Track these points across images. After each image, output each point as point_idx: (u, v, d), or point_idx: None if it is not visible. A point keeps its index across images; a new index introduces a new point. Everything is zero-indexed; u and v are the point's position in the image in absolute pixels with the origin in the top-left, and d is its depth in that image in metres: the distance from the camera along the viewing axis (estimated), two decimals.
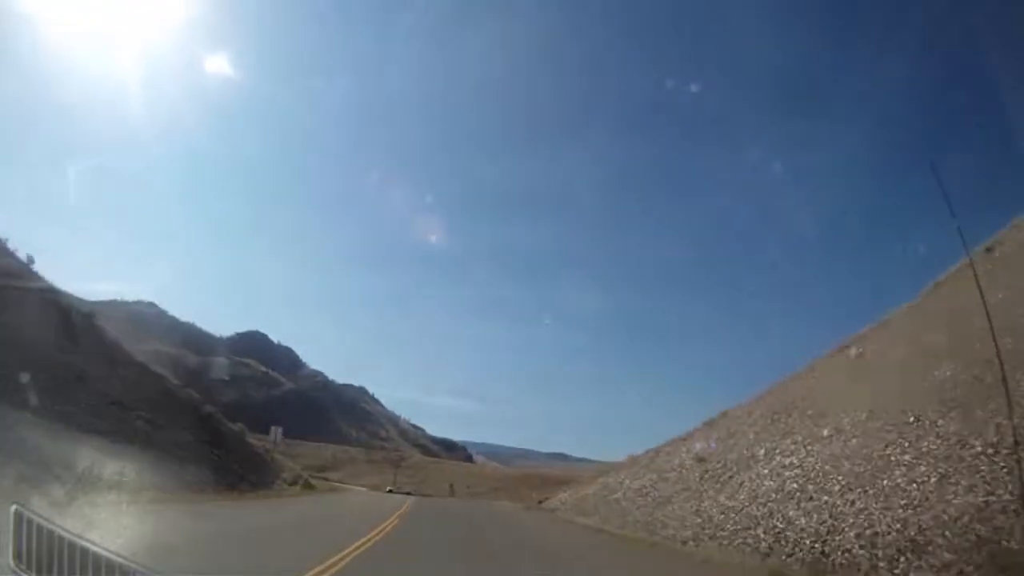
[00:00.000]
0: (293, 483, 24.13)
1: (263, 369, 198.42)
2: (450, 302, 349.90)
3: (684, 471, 19.04)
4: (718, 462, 17.41)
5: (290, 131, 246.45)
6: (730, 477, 15.68)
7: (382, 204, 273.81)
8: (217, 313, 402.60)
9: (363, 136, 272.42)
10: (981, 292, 10.49)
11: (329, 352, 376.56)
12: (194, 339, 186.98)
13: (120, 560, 2.99)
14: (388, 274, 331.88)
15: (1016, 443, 8.44)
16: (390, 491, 60.18)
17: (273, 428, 24.59)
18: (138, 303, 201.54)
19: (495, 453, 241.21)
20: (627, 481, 22.18)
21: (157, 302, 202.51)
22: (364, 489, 59.61)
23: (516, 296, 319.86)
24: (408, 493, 59.53)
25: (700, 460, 18.87)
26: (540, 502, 35.36)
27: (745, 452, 16.75)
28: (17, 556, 2.83)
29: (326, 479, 60.86)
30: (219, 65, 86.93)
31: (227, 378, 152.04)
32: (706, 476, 16.99)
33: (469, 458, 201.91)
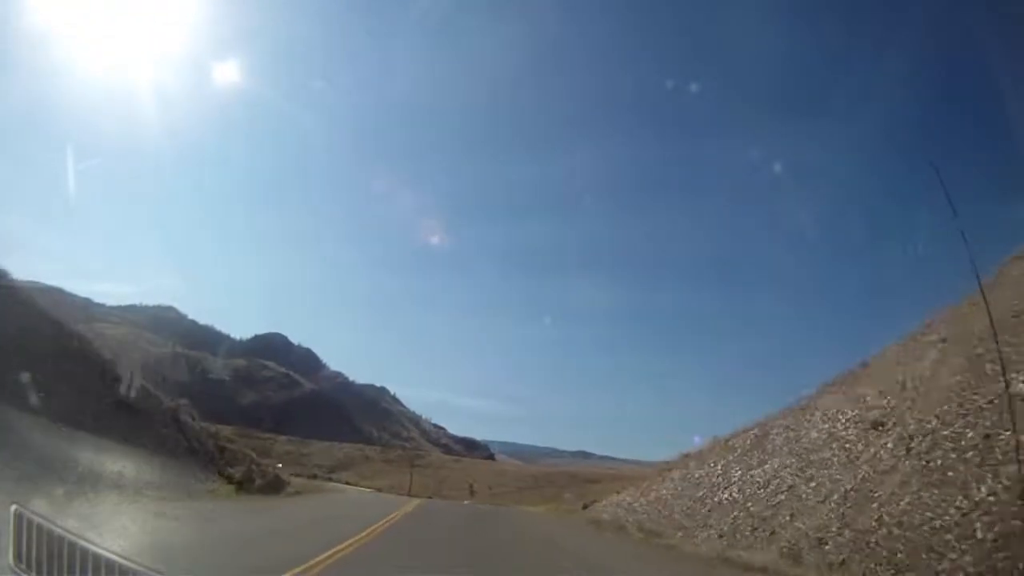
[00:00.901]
0: (244, 480, 16.99)
1: (282, 370, 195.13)
2: (470, 302, 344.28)
3: (849, 446, 11.44)
4: (928, 421, 9.76)
5: (305, 136, 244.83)
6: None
7: (399, 206, 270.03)
8: (237, 316, 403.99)
9: (379, 138, 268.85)
10: (983, 292, 9.74)
11: (350, 353, 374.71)
12: (212, 342, 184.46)
13: (120, 560, 2.93)
14: (408, 275, 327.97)
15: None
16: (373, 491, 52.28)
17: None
18: (157, 307, 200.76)
19: (517, 452, 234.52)
20: (735, 471, 14.50)
21: (176, 306, 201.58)
22: (369, 491, 52.08)
23: (536, 295, 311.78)
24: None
25: (878, 426, 11.21)
26: (586, 507, 27.29)
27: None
28: (17, 556, 2.80)
29: (330, 479, 54.01)
30: (232, 73, 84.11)
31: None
32: (919, 450, 9.35)
33: (491, 457, 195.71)
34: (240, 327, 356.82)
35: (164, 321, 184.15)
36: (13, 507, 2.93)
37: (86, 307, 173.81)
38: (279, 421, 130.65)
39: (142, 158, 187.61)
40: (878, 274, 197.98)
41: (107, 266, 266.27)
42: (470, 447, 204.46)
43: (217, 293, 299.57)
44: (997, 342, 9.07)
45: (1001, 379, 8.87)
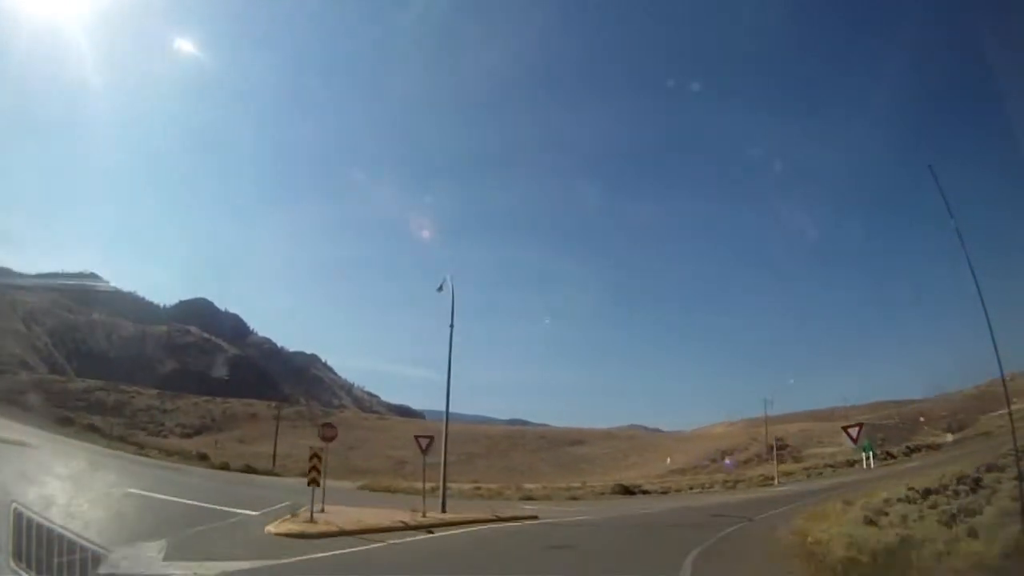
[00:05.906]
0: None
1: (205, 335, 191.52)
2: (407, 270, 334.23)
3: None
4: None
5: (238, 95, 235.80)
6: None
7: (342, 170, 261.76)
8: (164, 283, 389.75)
9: (315, 99, 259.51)
10: (982, 297, 9.64)
11: (284, 321, 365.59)
12: (135, 308, 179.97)
13: (120, 559, 3.30)
14: (343, 243, 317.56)
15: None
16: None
17: None
18: (80, 275, 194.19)
19: (452, 420, 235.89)
20: None
21: (101, 274, 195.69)
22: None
23: (473, 265, 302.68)
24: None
25: None
26: None
27: None
28: (16, 555, 2.77)
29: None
30: (182, 41, 79.75)
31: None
32: None
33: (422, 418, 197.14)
34: (167, 294, 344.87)
35: (86, 290, 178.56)
36: (13, 506, 2.87)
37: (3, 274, 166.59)
38: (201, 386, 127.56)
39: (68, 123, 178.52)
40: (876, 272, 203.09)
41: (28, 235, 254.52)
42: (405, 414, 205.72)
43: (143, 260, 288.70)
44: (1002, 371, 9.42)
45: None
